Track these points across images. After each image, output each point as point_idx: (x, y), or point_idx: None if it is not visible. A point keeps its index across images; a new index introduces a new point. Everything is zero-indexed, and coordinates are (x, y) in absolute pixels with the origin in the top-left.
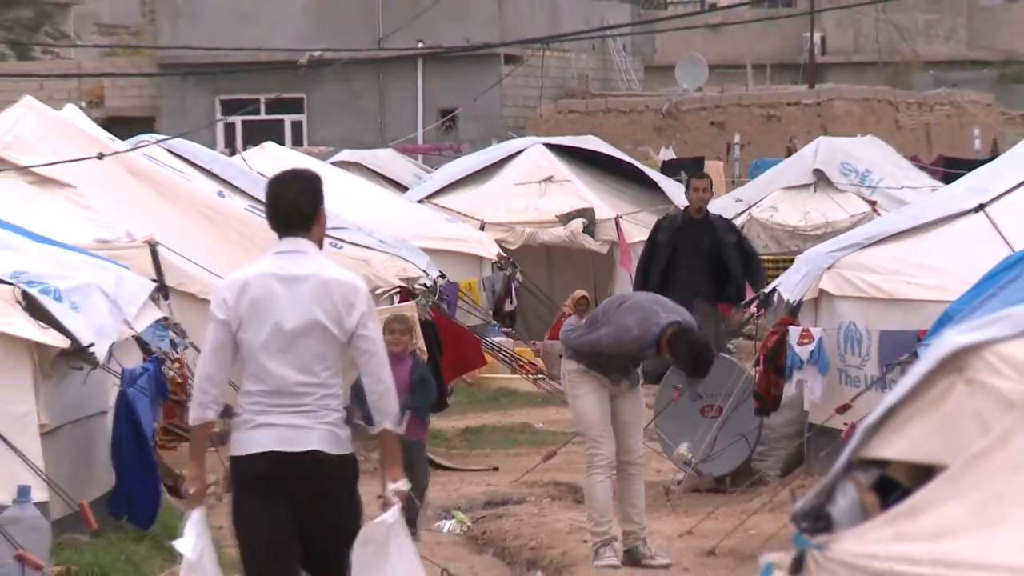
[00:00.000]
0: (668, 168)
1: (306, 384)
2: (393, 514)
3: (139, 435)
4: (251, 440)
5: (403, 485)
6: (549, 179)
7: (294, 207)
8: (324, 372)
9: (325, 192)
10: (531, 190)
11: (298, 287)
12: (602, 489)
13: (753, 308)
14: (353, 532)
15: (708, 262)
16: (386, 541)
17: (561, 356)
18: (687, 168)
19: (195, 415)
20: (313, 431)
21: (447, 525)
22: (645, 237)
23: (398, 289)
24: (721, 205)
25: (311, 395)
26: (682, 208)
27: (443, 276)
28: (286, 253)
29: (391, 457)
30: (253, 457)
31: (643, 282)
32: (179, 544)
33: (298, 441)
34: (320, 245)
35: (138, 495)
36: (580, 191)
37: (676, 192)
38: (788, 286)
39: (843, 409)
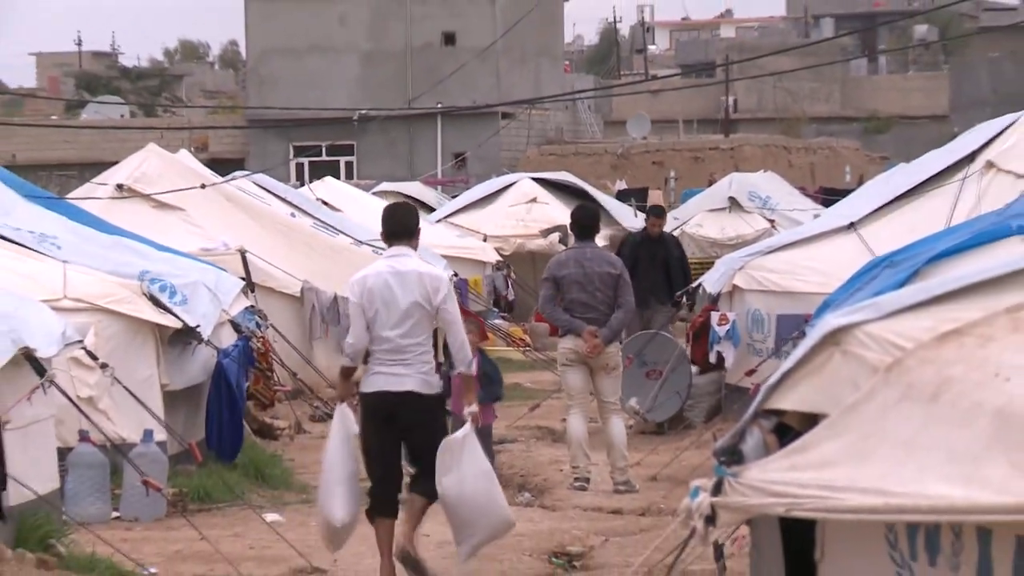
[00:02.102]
0: (621, 195)
1: (409, 345)
2: (465, 430)
3: (230, 393)
4: (372, 382)
5: (475, 408)
6: (534, 201)
7: (402, 224)
8: (421, 336)
9: (372, 213)
10: (520, 211)
11: (403, 279)
12: (575, 424)
13: (679, 301)
14: (438, 442)
15: (661, 270)
16: (461, 448)
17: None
18: (635, 196)
19: (345, 363)
20: (411, 377)
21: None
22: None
23: None
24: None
25: (412, 352)
26: (640, 229)
27: (456, 275)
28: (395, 256)
29: (467, 390)
30: (373, 394)
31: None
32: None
33: (401, 384)
34: (415, 249)
35: (227, 437)
36: (557, 212)
37: (625, 214)
38: (710, 282)
39: (750, 372)
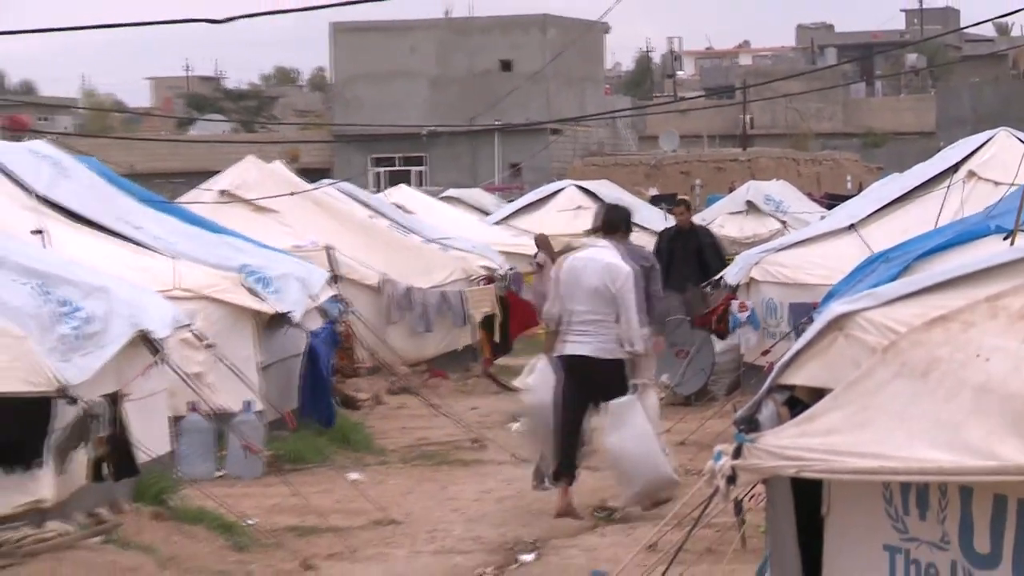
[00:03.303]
0: (654, 200)
1: (593, 319)
2: (630, 396)
3: (318, 370)
4: (563, 347)
5: (641, 381)
6: (579, 208)
7: (608, 222)
8: (602, 313)
9: (464, 216)
10: (567, 214)
11: (594, 265)
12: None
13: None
14: (610, 399)
15: (694, 258)
16: (625, 412)
17: None
18: (666, 201)
19: (548, 326)
20: (591, 344)
21: (515, 426)
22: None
23: (484, 276)
24: None
25: (594, 325)
26: (671, 226)
27: (512, 269)
28: (596, 247)
29: (635, 365)
30: (563, 356)
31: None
32: (524, 381)
33: (582, 348)
34: (623, 243)
35: (317, 407)
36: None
37: (655, 217)
38: (730, 274)
39: (766, 352)
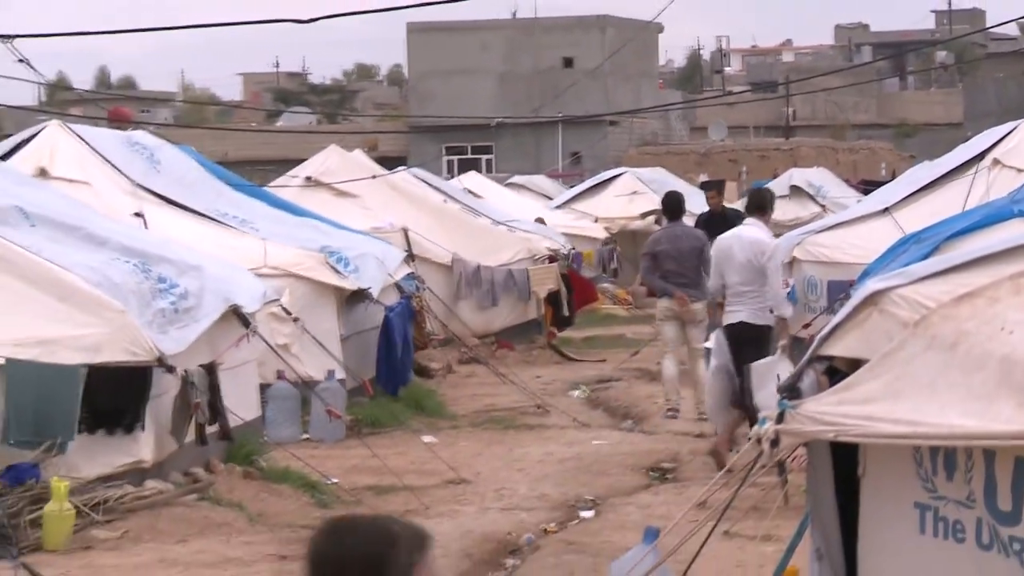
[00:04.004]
0: (703, 186)
1: (745, 290)
2: (775, 356)
3: (393, 342)
4: (724, 317)
5: (783, 343)
6: (634, 193)
7: (755, 204)
8: (756, 283)
9: (506, 200)
10: (623, 199)
11: (743, 242)
12: (668, 366)
13: None
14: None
15: None
16: (774, 368)
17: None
18: (716, 186)
19: (712, 299)
20: (744, 312)
21: (575, 393)
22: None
23: (548, 255)
24: (737, 206)
25: (749, 295)
26: (705, 210)
27: (573, 248)
28: (745, 225)
29: (781, 329)
30: (727, 325)
31: None
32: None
33: (737, 316)
34: (767, 223)
35: (394, 377)
36: (652, 199)
37: (703, 202)
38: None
39: (806, 326)
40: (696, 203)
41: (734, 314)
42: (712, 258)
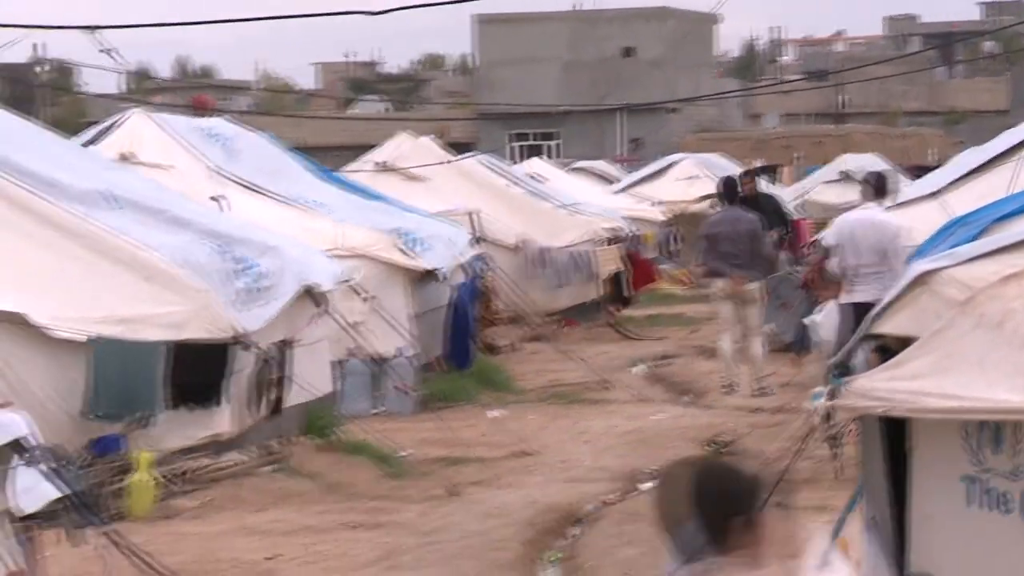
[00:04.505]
0: (760, 170)
1: (871, 272)
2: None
3: (464, 319)
4: (851, 295)
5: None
6: (692, 177)
7: (881, 186)
8: (881, 264)
9: (570, 184)
10: (683, 183)
11: (865, 224)
12: (725, 344)
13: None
14: None
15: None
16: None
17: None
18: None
19: (832, 278)
20: (872, 291)
21: (637, 369)
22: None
23: (610, 237)
24: (790, 191)
25: (874, 276)
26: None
27: (635, 230)
28: (866, 208)
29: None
30: (854, 303)
31: None
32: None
33: (859, 296)
34: (884, 204)
35: (461, 352)
36: (710, 183)
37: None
38: (827, 237)
39: None
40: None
41: (860, 293)
42: (833, 239)
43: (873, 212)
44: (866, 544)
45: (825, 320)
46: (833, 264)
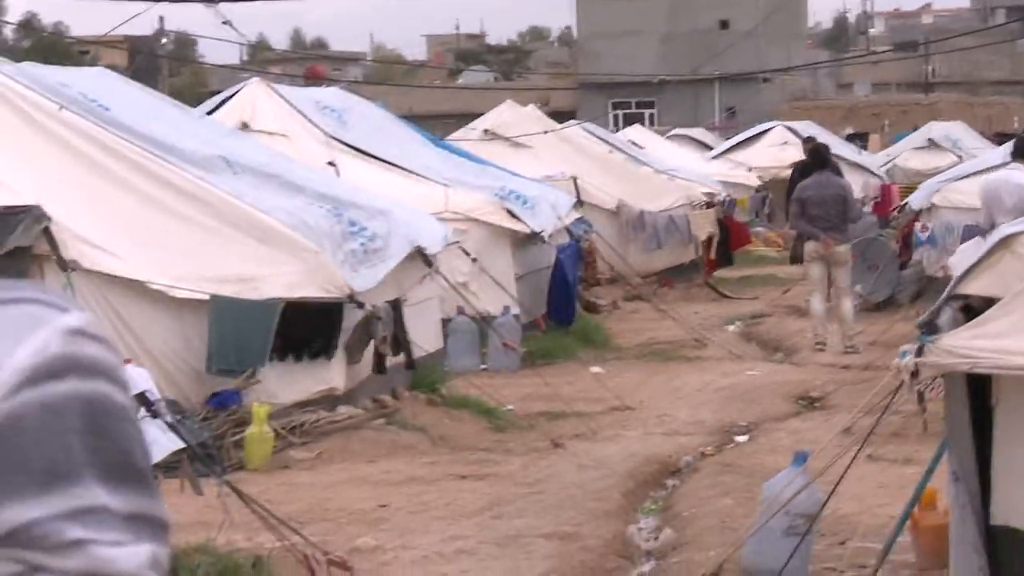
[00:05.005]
0: (849, 138)
1: None
2: None
3: (565, 279)
4: None
5: None
6: (785, 144)
7: (1018, 148)
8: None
9: (667, 151)
10: (775, 149)
11: (1011, 186)
12: (816, 303)
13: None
14: None
15: None
16: None
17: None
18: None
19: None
20: None
21: (731, 327)
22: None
23: (706, 201)
24: (879, 157)
25: None
26: (800, 160)
27: (729, 195)
28: (1011, 169)
29: None
30: None
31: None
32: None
33: None
34: None
35: (563, 311)
36: (801, 150)
37: (850, 152)
38: (915, 200)
39: (943, 267)
40: (840, 152)
41: None
42: (981, 200)
43: (1017, 174)
44: (951, 496)
45: (962, 258)
46: (983, 224)
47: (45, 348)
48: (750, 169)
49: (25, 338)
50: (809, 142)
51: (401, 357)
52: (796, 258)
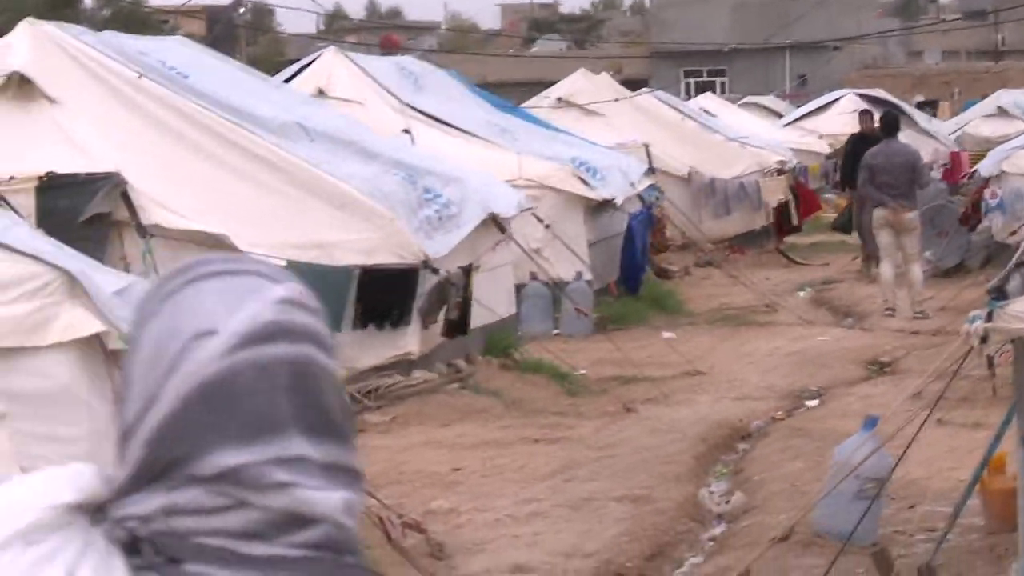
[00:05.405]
0: (919, 106)
1: None
2: None
3: (635, 247)
4: None
5: None
6: (855, 111)
7: None
8: None
9: (738, 119)
10: (846, 117)
11: None
12: (886, 269)
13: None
14: None
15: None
16: None
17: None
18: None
19: None
20: None
21: (801, 293)
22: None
23: (776, 168)
24: (949, 124)
25: None
26: (856, 131)
27: (800, 162)
28: None
29: None
30: None
31: (849, 169)
32: None
33: None
34: None
35: (635, 278)
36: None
37: (921, 118)
38: (984, 167)
39: (1013, 233)
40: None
41: None
42: None
43: None
44: (1020, 460)
45: None
46: None
47: (259, 315)
48: (820, 136)
49: (243, 306)
50: (865, 115)
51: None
52: (839, 227)
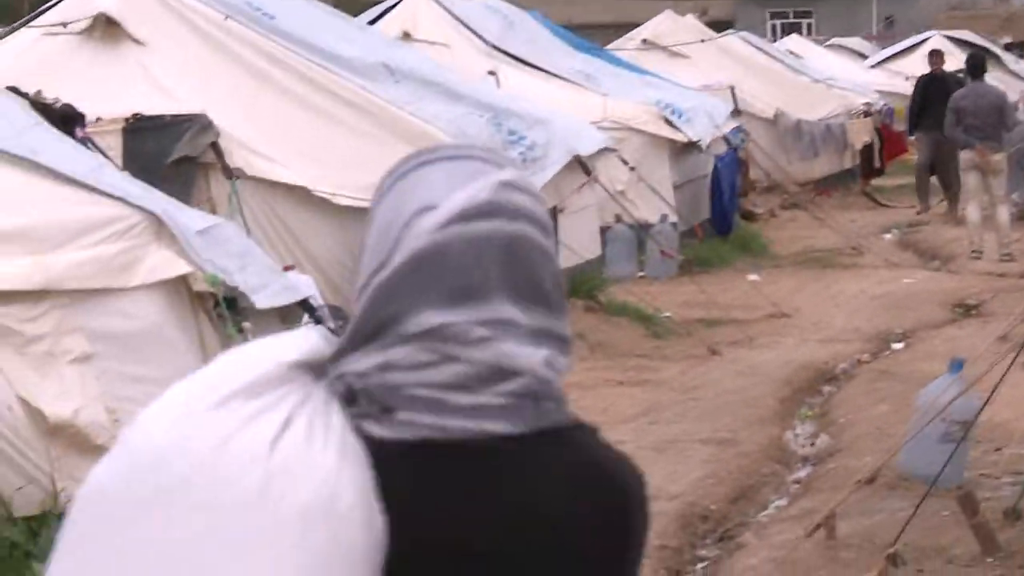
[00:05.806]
0: (1007, 47)
1: None
2: None
3: (721, 189)
4: None
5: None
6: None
7: None
8: None
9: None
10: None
11: None
12: (972, 211)
13: None
14: None
15: (944, 100)
16: None
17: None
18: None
19: None
20: None
21: (887, 236)
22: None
23: (863, 110)
24: None
25: None
26: (926, 72)
27: (886, 104)
28: None
29: None
30: None
31: (917, 109)
32: None
33: None
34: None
35: (720, 220)
36: (958, 59)
37: (1010, 60)
38: None
39: None
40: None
41: None
42: None
43: None
44: None
45: None
46: None
47: (477, 194)
48: (907, 78)
49: (464, 186)
50: (935, 55)
51: None
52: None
